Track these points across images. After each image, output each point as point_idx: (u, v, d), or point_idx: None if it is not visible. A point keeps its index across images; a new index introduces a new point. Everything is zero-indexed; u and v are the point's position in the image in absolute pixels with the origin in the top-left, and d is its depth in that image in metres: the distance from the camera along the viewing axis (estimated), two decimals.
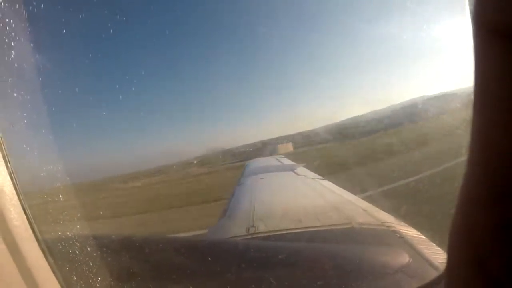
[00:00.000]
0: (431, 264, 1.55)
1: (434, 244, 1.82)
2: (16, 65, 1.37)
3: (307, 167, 6.38)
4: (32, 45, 1.52)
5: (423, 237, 1.96)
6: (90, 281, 1.48)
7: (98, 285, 1.50)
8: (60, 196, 1.53)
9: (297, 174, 5.53)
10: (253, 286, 1.60)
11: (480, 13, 0.39)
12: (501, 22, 0.36)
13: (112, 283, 1.58)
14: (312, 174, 5.38)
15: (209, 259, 1.85)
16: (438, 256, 1.63)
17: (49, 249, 1.27)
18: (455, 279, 0.46)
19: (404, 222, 2.28)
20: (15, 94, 1.38)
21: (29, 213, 1.23)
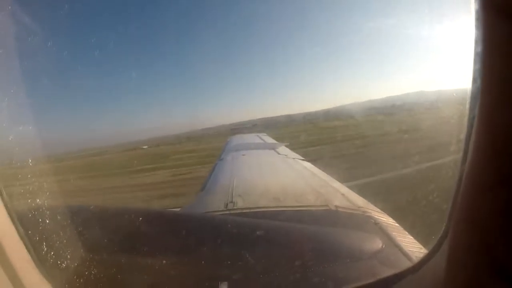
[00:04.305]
0: (403, 252, 1.60)
1: (407, 233, 1.88)
2: None
3: (289, 146, 6.42)
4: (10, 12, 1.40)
5: (398, 225, 2.02)
6: (61, 251, 1.43)
7: (68, 255, 1.46)
8: (31, 163, 1.44)
9: (278, 153, 5.55)
10: (228, 261, 1.61)
11: None
12: (507, 2, 0.35)
13: (83, 254, 1.54)
14: (293, 154, 5.42)
15: (185, 232, 1.83)
16: (410, 245, 1.69)
17: (18, 217, 1.20)
18: (458, 266, 0.45)
19: (380, 209, 2.34)
20: None
21: None
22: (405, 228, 1.97)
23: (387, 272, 1.32)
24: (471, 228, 0.42)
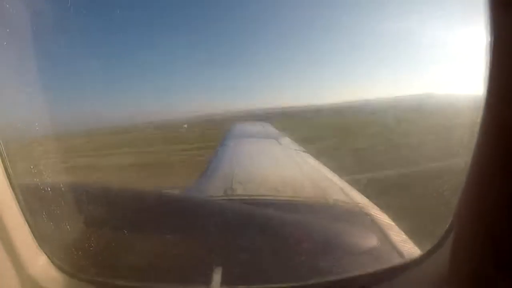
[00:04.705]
0: (397, 250, 1.62)
1: (402, 232, 1.89)
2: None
3: (291, 138, 6.42)
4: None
5: (393, 223, 2.03)
6: (60, 223, 1.45)
7: (68, 228, 1.48)
8: (38, 138, 1.44)
9: (280, 143, 5.55)
10: (222, 245, 1.63)
11: None
12: None
13: (81, 229, 1.56)
14: (295, 146, 5.42)
15: (182, 215, 1.85)
16: (405, 244, 1.70)
17: (19, 188, 1.20)
18: (463, 258, 0.46)
19: (377, 206, 2.34)
20: None
21: (2, 146, 1.16)
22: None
23: (379, 268, 1.33)
24: (476, 220, 0.42)
